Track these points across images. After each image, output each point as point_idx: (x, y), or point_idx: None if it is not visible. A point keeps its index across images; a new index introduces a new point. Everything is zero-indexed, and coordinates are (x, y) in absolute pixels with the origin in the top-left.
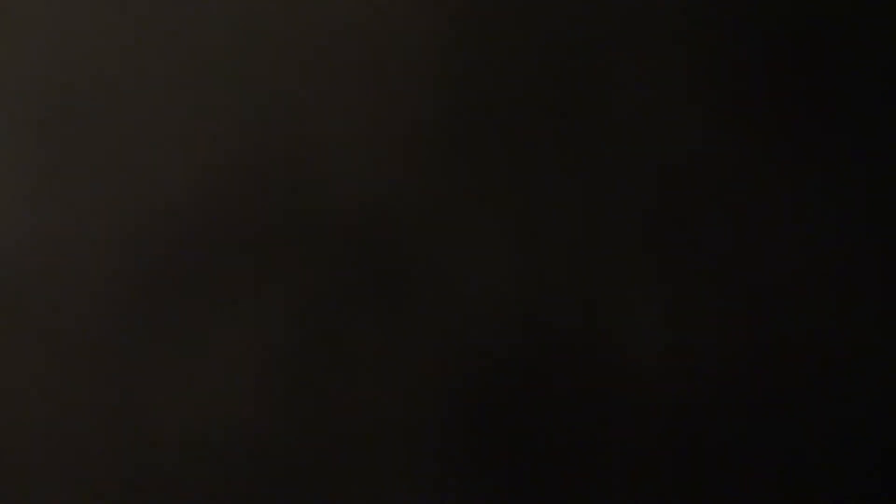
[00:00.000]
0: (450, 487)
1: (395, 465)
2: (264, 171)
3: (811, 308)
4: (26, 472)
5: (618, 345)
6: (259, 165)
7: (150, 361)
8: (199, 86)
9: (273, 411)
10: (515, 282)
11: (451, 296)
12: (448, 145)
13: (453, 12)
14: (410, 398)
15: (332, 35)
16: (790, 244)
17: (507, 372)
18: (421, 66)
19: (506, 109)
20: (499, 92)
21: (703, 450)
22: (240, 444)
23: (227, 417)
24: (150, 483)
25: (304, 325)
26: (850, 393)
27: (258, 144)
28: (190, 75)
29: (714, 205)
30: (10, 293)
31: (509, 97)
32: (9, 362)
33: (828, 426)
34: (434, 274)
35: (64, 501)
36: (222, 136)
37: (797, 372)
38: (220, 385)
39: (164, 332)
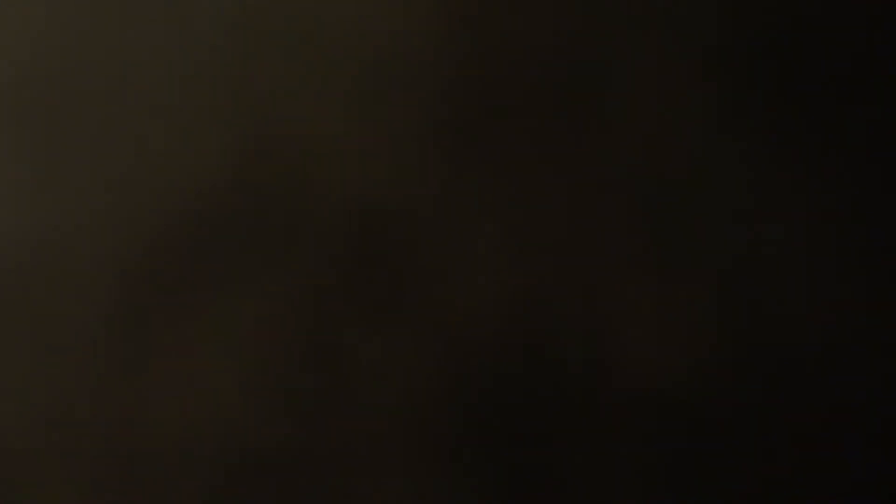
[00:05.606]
0: (448, 488)
1: (394, 465)
2: (263, 171)
3: (812, 312)
4: (24, 469)
5: (617, 346)
6: (258, 165)
7: (148, 361)
8: (199, 84)
9: (271, 410)
10: (515, 282)
11: (449, 296)
12: (448, 145)
13: (454, 13)
14: (409, 398)
15: (333, 34)
16: (791, 247)
17: (506, 372)
18: (420, 65)
19: (506, 110)
20: (499, 92)
21: (701, 451)
22: (238, 443)
23: (226, 415)
24: (148, 480)
25: (303, 324)
26: (852, 401)
27: (257, 144)
28: (190, 73)
29: (714, 206)
30: (5, 290)
31: (510, 98)
32: (6, 359)
33: (828, 430)
34: (433, 274)
35: (62, 498)
36: (221, 134)
37: (797, 377)
38: (220, 383)
39: (162, 330)
